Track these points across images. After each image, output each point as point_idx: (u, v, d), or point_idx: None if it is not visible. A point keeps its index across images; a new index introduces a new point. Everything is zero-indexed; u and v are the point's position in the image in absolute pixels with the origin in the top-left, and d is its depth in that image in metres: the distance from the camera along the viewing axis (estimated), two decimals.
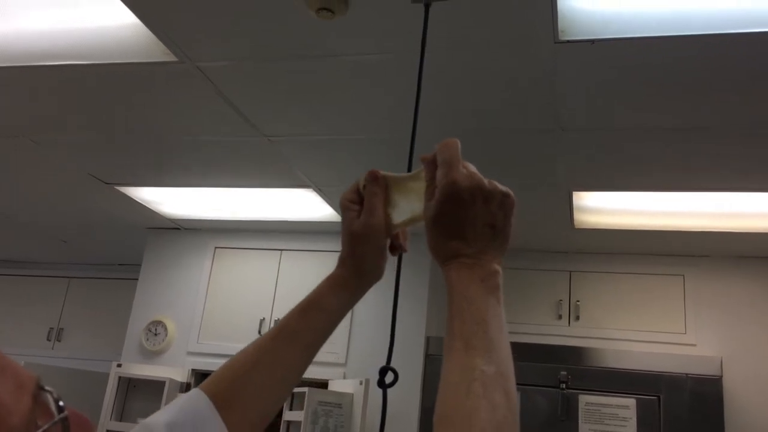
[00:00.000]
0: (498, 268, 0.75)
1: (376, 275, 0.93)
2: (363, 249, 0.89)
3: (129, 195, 3.90)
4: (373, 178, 0.88)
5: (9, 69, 2.51)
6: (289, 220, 4.09)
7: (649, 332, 3.85)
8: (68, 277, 5.54)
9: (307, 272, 4.14)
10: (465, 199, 0.74)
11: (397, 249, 0.93)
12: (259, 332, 4.12)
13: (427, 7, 1.96)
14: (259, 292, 4.21)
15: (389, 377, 1.50)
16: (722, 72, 2.19)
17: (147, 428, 0.75)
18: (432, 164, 0.79)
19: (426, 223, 0.78)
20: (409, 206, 0.86)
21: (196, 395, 0.80)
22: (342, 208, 0.91)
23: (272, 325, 4.18)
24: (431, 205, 0.76)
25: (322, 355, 3.90)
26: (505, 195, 0.76)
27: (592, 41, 2.09)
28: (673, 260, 3.97)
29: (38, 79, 2.60)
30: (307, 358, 0.89)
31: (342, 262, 0.91)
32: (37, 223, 4.60)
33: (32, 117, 2.97)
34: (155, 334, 4.27)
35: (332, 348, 3.97)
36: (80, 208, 4.21)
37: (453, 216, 0.75)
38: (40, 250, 5.29)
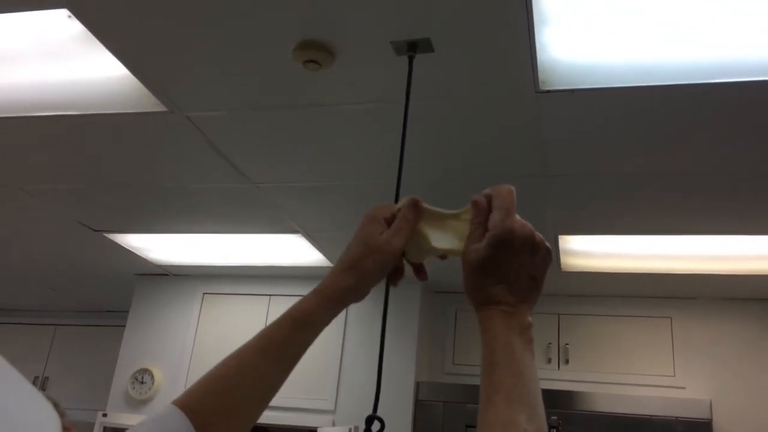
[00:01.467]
0: (531, 321, 0.76)
1: (362, 295, 0.90)
2: (373, 265, 0.86)
3: (117, 242, 3.90)
4: (414, 205, 0.87)
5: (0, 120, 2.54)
6: (277, 265, 4.10)
7: (638, 375, 3.84)
8: (55, 325, 5.49)
9: None
10: (516, 248, 0.76)
11: (395, 278, 0.91)
12: None
13: (410, 59, 2.03)
14: (247, 338, 4.12)
15: (376, 426, 1.50)
16: (701, 120, 2.25)
17: None
18: (483, 208, 0.79)
19: (470, 264, 0.78)
20: (443, 240, 0.86)
21: (175, 416, 0.75)
22: (369, 218, 0.89)
23: None
24: (480, 247, 0.77)
25: (310, 401, 3.93)
26: (548, 250, 0.78)
27: (572, 91, 2.15)
28: (660, 302, 3.99)
29: (29, 129, 2.63)
30: (288, 374, 0.86)
31: (343, 271, 0.87)
32: (26, 271, 4.58)
33: (22, 167, 2.99)
34: (142, 383, 4.22)
35: (321, 394, 3.93)
36: (69, 256, 4.20)
37: (502, 262, 0.76)
38: (27, 297, 5.25)
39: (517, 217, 0.77)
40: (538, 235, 0.77)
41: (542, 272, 0.78)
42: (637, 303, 4.01)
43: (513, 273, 0.76)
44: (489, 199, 0.80)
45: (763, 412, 3.65)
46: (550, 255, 0.78)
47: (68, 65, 2.24)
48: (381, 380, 1.65)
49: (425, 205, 0.88)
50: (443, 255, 0.87)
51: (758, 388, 3.71)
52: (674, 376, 3.82)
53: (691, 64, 2.01)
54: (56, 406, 0.53)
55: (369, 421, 1.58)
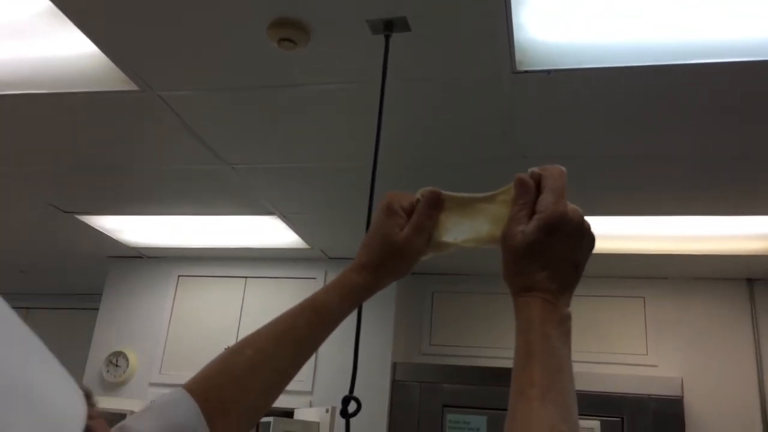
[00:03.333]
0: (569, 312, 0.72)
1: (380, 289, 0.88)
2: (396, 263, 0.84)
3: (89, 224, 3.84)
4: (434, 199, 0.82)
5: None
6: (253, 247, 4.07)
7: (611, 354, 3.90)
8: (27, 308, 5.41)
9: (272, 300, 4.11)
10: (567, 234, 0.72)
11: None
12: None
13: (387, 38, 2.01)
14: (223, 321, 4.16)
15: (352, 406, 1.50)
16: (675, 102, 2.26)
17: None
18: (530, 188, 0.74)
19: (515, 248, 0.73)
20: (473, 227, 0.81)
21: (185, 402, 0.73)
22: (387, 210, 0.85)
23: None
24: (528, 230, 0.72)
25: None
26: (593, 238, 0.75)
27: (548, 71, 2.14)
28: (633, 283, 4.04)
29: None
30: (302, 366, 0.84)
31: (365, 268, 0.85)
32: None
33: None
34: (116, 366, 4.18)
35: (298, 375, 3.93)
36: (39, 238, 4.12)
37: (549, 248, 0.72)
38: None
39: (567, 201, 0.73)
40: (587, 221, 0.74)
41: (585, 259, 0.75)
42: (610, 283, 4.05)
43: (558, 260, 0.72)
44: (536, 179, 0.75)
45: (732, 390, 3.73)
46: (593, 241, 0.75)
47: (35, 42, 2.17)
48: (357, 361, 1.65)
49: (447, 193, 0.83)
50: (468, 244, 0.82)
51: (728, 367, 3.78)
52: (647, 354, 3.88)
53: (668, 45, 2.01)
54: (88, 395, 0.51)
55: (345, 401, 1.58)
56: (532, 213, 0.73)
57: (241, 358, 0.78)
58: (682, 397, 3.56)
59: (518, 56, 2.09)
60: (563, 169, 0.76)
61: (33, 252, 4.43)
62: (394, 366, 3.93)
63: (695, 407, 3.68)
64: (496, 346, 3.96)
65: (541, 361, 0.67)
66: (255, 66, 2.21)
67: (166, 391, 0.78)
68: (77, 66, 2.29)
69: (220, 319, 4.17)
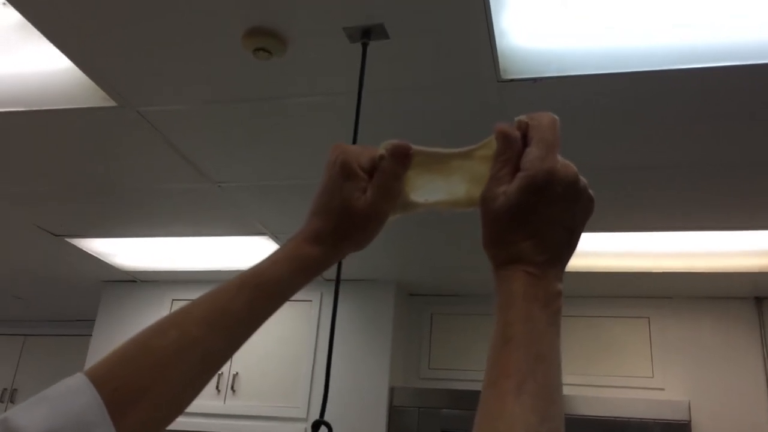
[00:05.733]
0: (561, 288, 0.61)
1: (355, 250, 0.74)
2: (359, 232, 0.71)
3: (80, 247, 3.78)
4: (402, 154, 0.68)
5: None
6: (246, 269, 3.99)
7: (616, 377, 3.77)
8: (23, 335, 5.34)
9: (268, 323, 4.01)
10: (557, 194, 0.60)
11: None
12: (217, 388, 3.97)
13: (364, 46, 1.95)
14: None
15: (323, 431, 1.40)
16: (672, 109, 2.18)
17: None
18: (514, 140, 0.62)
19: (495, 212, 0.61)
20: (447, 187, 0.68)
21: (84, 391, 0.59)
22: (343, 170, 0.70)
23: (231, 380, 4.06)
24: (510, 191, 0.60)
25: (281, 410, 3.78)
26: (591, 198, 0.63)
27: (534, 80, 2.07)
28: (637, 302, 3.92)
29: None
30: (236, 351, 0.70)
31: (321, 239, 0.71)
32: None
33: None
34: None
35: (293, 401, 3.82)
36: (31, 262, 4.07)
37: (536, 211, 0.60)
38: None
39: (559, 156, 0.61)
40: (582, 179, 0.62)
41: (581, 225, 0.63)
42: (613, 303, 3.93)
43: (547, 225, 0.60)
44: (523, 129, 0.63)
45: (741, 413, 3.58)
46: (592, 204, 0.63)
47: (8, 57, 2.13)
48: (329, 383, 1.57)
49: (418, 147, 0.69)
50: (440, 206, 0.69)
51: (737, 388, 3.64)
52: (653, 377, 3.75)
53: (661, 49, 1.94)
54: None
55: (315, 426, 1.49)
56: (517, 170, 0.61)
57: (164, 341, 0.64)
58: (690, 421, 3.42)
59: (502, 64, 2.02)
60: (555, 117, 0.63)
61: (26, 277, 4.38)
62: (392, 390, 3.81)
63: (703, 431, 3.53)
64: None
65: (520, 347, 0.56)
66: (233, 79, 2.16)
67: None
68: (53, 82, 2.25)
69: None
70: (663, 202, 2.84)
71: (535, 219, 0.60)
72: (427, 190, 0.69)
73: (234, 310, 0.68)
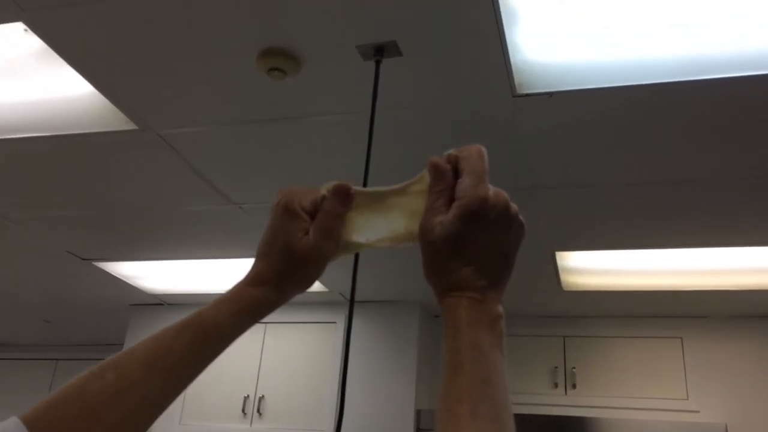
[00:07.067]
0: (502, 311, 0.63)
1: (301, 291, 0.75)
2: (302, 273, 0.72)
3: (108, 271, 3.83)
4: (343, 195, 0.70)
5: None
6: None
7: (650, 399, 3.66)
8: (55, 359, 5.42)
9: (293, 346, 4.01)
10: (491, 221, 0.62)
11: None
12: (243, 411, 3.96)
13: (378, 63, 1.95)
14: (243, 369, 4.07)
15: None
16: (698, 120, 2.13)
17: None
18: (445, 173, 0.64)
19: (433, 243, 0.63)
20: (387, 225, 0.70)
21: None
22: (286, 210, 0.72)
23: (257, 402, 4.04)
24: (446, 221, 0.62)
25: None
26: (522, 225, 0.65)
27: (550, 94, 2.05)
28: (669, 322, 3.82)
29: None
30: (178, 395, 0.70)
31: (265, 282, 0.72)
32: (18, 303, 4.52)
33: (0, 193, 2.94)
34: None
35: (318, 423, 3.79)
36: (60, 286, 4.13)
37: (473, 238, 0.62)
38: (25, 331, 5.19)
39: (489, 184, 0.63)
40: (513, 205, 0.64)
41: (514, 250, 0.65)
42: (645, 323, 3.84)
43: (484, 251, 0.62)
44: (453, 162, 0.65)
45: None
46: (523, 230, 0.65)
47: (31, 83, 2.18)
48: (344, 404, 1.54)
49: (357, 187, 0.71)
50: (382, 244, 0.71)
51: None
52: (687, 399, 3.63)
53: (681, 59, 1.90)
54: None
55: None
56: (452, 201, 0.63)
57: (100, 384, 0.63)
58: None
59: (517, 78, 2.00)
60: (482, 148, 0.65)
61: (55, 301, 4.45)
62: (418, 413, 3.76)
63: None
64: (517, 392, 3.75)
65: (470, 373, 0.58)
66: (248, 99, 2.17)
67: None
68: (76, 107, 2.29)
69: (240, 366, 4.08)
70: (692, 217, 2.77)
71: (472, 246, 0.62)
72: (368, 229, 0.71)
73: (175, 351, 0.68)
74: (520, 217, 0.65)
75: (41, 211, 3.10)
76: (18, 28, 1.91)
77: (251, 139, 2.40)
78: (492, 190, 0.63)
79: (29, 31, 1.92)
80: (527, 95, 2.06)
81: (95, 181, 2.79)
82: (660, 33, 1.82)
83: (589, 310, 3.87)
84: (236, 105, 2.21)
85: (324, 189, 0.72)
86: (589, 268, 3.40)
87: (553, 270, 3.36)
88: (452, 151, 0.66)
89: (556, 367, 3.87)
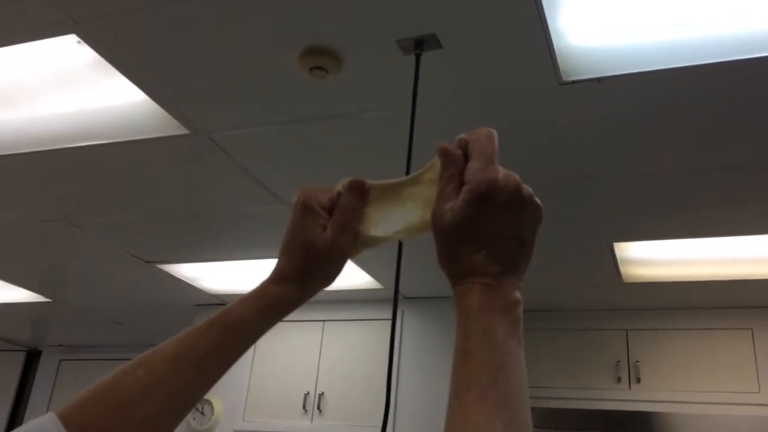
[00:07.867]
0: (519, 297, 0.62)
1: (324, 286, 0.76)
2: (323, 269, 0.74)
3: (171, 273, 3.95)
4: (358, 189, 0.71)
5: (31, 155, 2.60)
6: (328, 289, 4.01)
7: (718, 393, 3.52)
8: (124, 360, 5.60)
9: (350, 342, 4.04)
10: (501, 204, 0.61)
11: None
12: (304, 407, 4.02)
13: (418, 57, 1.94)
14: (303, 366, 4.13)
15: None
16: (756, 99, 2.03)
17: None
18: (455, 157, 0.64)
19: (444, 228, 0.62)
20: (403, 216, 0.70)
21: (53, 430, 0.61)
22: (304, 207, 0.73)
23: (317, 399, 4.09)
24: (456, 206, 0.61)
25: (365, 429, 3.76)
26: (538, 207, 0.63)
27: (598, 80, 1.99)
28: (738, 313, 3.66)
29: (62, 161, 2.67)
30: (207, 391, 0.72)
31: (287, 278, 0.73)
32: (89, 307, 4.71)
33: (65, 200, 3.06)
34: (202, 413, 4.23)
35: (369, 420, 3.80)
36: (126, 289, 4.29)
37: (483, 223, 0.61)
38: (99, 333, 5.40)
39: (499, 166, 0.62)
40: (526, 187, 0.62)
41: (531, 234, 0.63)
42: (712, 314, 3.69)
43: (496, 236, 0.61)
44: (463, 146, 0.64)
45: None
46: (540, 212, 0.63)
47: (87, 93, 2.27)
48: (390, 399, 1.54)
49: (372, 182, 0.72)
50: (402, 236, 0.71)
51: None
52: (759, 392, 3.47)
53: (732, 38, 1.82)
54: None
55: None
56: (462, 186, 0.62)
57: (131, 380, 0.65)
58: None
59: (562, 66, 1.96)
60: (492, 130, 0.64)
61: (124, 304, 4.61)
62: None
63: None
64: (579, 387, 3.68)
65: (480, 359, 0.56)
66: (291, 99, 2.20)
67: None
68: (131, 114, 2.37)
69: (300, 363, 4.14)
70: (756, 203, 2.65)
71: (483, 231, 0.61)
72: (385, 223, 0.72)
73: (201, 347, 0.70)
74: (536, 199, 0.63)
75: (103, 217, 3.22)
76: (71, 40, 1.99)
77: (298, 138, 2.43)
78: (502, 172, 0.62)
79: (82, 42, 1.99)
80: (574, 82, 2.01)
81: (154, 185, 2.88)
82: (707, 12, 1.74)
83: (651, 302, 3.75)
84: (281, 105, 2.24)
85: (339, 185, 0.73)
86: (651, 259, 3.29)
87: (612, 262, 3.27)
88: (463, 135, 0.65)
89: (618, 361, 3.77)
